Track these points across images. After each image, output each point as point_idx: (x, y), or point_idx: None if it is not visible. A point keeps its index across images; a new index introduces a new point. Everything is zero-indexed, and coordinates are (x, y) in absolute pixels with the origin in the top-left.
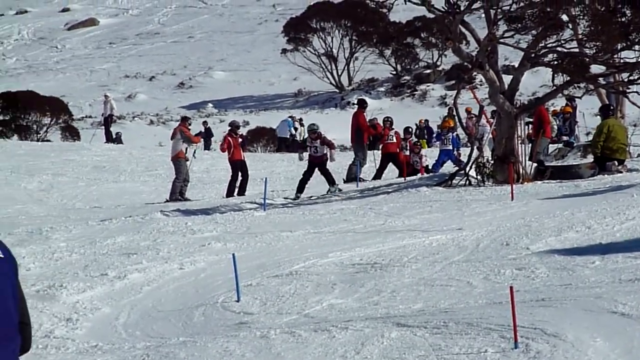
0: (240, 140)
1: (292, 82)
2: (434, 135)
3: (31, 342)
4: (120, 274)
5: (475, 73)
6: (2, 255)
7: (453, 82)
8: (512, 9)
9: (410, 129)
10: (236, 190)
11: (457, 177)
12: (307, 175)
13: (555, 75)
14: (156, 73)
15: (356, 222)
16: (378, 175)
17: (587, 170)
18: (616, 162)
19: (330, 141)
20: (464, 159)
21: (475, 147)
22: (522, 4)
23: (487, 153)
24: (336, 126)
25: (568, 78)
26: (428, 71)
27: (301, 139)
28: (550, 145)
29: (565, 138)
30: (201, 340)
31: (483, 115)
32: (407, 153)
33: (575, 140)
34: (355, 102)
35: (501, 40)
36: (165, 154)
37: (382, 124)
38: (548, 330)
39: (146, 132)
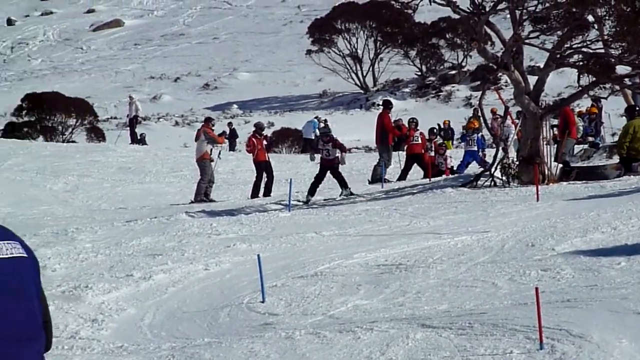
0: (265, 142)
1: (316, 83)
2: (456, 136)
3: (52, 339)
4: (146, 274)
5: (500, 74)
6: (25, 255)
7: (478, 82)
8: (537, 10)
9: (435, 130)
10: (261, 191)
11: (482, 178)
12: (318, 178)
13: (581, 76)
14: (181, 74)
15: (381, 223)
16: (403, 176)
17: (612, 171)
18: None
19: (342, 144)
20: (489, 159)
21: (500, 148)
22: (547, 5)
23: (512, 154)
24: (361, 127)
25: (594, 79)
26: (453, 72)
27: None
28: (576, 146)
29: (590, 139)
30: (226, 341)
31: (508, 116)
32: (432, 154)
33: (601, 141)
34: (380, 103)
35: (526, 41)
36: (190, 155)
37: (407, 125)
38: (574, 332)
39: (171, 133)
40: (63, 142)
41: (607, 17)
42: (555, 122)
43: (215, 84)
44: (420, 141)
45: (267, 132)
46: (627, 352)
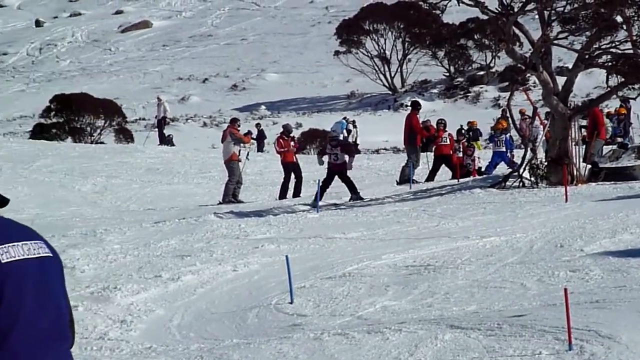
0: (293, 145)
1: (344, 84)
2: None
3: (75, 338)
4: (174, 275)
5: (528, 74)
6: (50, 254)
7: (506, 83)
8: (566, 10)
9: (463, 131)
10: (289, 192)
11: (510, 179)
12: (326, 183)
13: (610, 77)
14: (209, 75)
15: (409, 224)
16: (431, 177)
17: None
18: None
19: (350, 149)
20: (517, 160)
21: (529, 148)
22: (576, 5)
23: (541, 155)
24: (389, 128)
25: (622, 79)
26: (481, 73)
27: (353, 140)
28: (605, 146)
29: (619, 139)
30: (255, 342)
31: (537, 117)
32: (460, 155)
33: (630, 141)
34: (409, 104)
35: (555, 42)
36: (218, 156)
37: (435, 126)
38: (602, 332)
39: (199, 134)
40: (91, 143)
41: (635, 18)
42: (584, 122)
43: (244, 85)
44: (448, 142)
45: (295, 133)
46: None
